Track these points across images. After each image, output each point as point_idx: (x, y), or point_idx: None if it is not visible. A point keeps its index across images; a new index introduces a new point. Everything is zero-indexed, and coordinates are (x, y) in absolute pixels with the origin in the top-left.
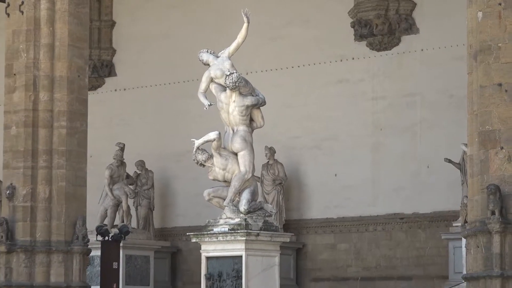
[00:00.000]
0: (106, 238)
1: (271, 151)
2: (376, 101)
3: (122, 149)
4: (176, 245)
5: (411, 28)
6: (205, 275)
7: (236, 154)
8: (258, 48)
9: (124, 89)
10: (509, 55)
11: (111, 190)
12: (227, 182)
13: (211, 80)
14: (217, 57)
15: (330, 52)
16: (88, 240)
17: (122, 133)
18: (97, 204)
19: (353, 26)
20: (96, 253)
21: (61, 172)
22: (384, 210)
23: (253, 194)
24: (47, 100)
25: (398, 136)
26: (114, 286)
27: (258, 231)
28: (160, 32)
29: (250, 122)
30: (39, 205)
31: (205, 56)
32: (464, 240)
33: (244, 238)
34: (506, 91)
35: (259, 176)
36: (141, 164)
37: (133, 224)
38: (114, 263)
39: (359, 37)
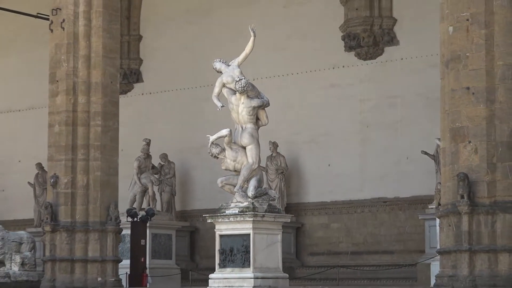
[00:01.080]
0: (135, 219)
1: (275, 145)
2: (363, 102)
3: (148, 144)
4: (194, 225)
5: (392, 40)
6: (218, 250)
7: (244, 147)
8: (263, 58)
9: (150, 93)
10: (476, 63)
11: (139, 178)
12: (237, 172)
13: (223, 85)
14: (228, 65)
15: (324, 61)
16: (120, 221)
17: (148, 130)
18: (127, 190)
19: (343, 39)
20: (126, 232)
21: (97, 164)
22: (370, 195)
23: (259, 182)
24: (84, 102)
25: (382, 132)
26: (142, 260)
27: (264, 213)
28: (180, 45)
29: (257, 121)
30: (78, 191)
31: (218, 65)
32: (438, 220)
33: (251, 219)
34: (473, 93)
35: (264, 166)
36: (164, 156)
37: (158, 207)
38: (142, 240)
39: (348, 48)
